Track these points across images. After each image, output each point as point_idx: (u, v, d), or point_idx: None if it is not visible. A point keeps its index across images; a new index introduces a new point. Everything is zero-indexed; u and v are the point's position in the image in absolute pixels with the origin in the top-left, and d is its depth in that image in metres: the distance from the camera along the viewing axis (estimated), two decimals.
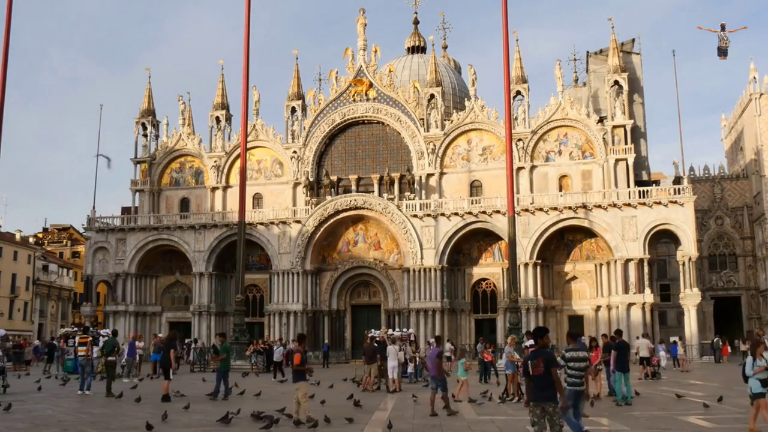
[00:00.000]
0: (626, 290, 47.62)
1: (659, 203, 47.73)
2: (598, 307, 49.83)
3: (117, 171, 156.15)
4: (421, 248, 50.30)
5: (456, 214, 50.20)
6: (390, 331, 32.68)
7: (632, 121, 51.02)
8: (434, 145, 53.17)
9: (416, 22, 69.58)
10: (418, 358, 28.71)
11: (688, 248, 47.21)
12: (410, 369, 27.58)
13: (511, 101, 41.60)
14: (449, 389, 16.44)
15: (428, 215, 50.59)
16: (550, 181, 51.46)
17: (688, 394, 20.63)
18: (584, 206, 48.42)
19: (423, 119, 53.68)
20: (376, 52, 56.26)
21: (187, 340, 46.36)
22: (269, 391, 22.75)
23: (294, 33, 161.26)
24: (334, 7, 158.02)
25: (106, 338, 26.02)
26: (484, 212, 49.66)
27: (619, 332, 21.14)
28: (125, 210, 60.74)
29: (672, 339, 43.40)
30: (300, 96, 57.04)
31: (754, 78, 61.45)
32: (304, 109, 56.65)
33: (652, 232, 48.10)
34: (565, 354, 11.80)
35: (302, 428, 13.52)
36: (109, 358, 22.09)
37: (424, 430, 13.61)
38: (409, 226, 50.60)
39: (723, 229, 63.04)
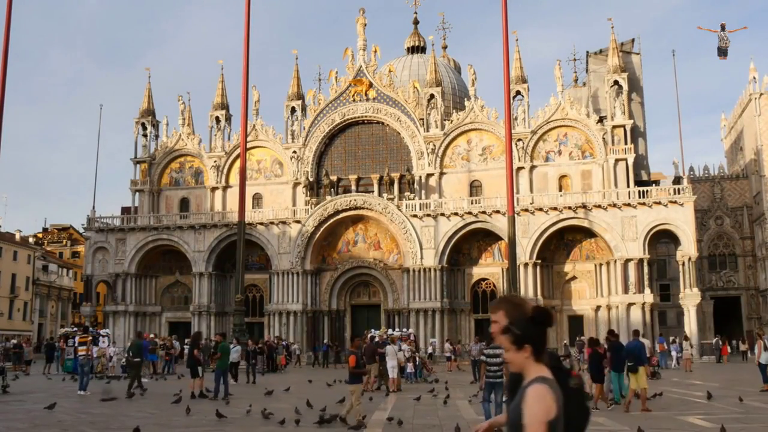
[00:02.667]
0: (626, 290, 47.62)
1: (659, 203, 47.74)
2: (598, 307, 49.84)
3: (117, 171, 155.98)
4: (421, 248, 50.29)
5: (456, 214, 50.19)
6: (389, 331, 32.66)
7: (632, 121, 51.03)
8: (434, 145, 53.17)
9: (416, 22, 69.58)
10: (417, 358, 28.68)
11: (688, 248, 47.21)
12: (410, 369, 27.55)
13: (511, 101, 41.61)
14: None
15: (428, 215, 50.58)
16: (550, 181, 51.47)
17: (688, 394, 20.62)
18: (584, 206, 48.43)
19: (423, 119, 53.68)
20: (375, 52, 56.26)
21: (186, 340, 46.34)
22: (270, 390, 22.73)
23: (294, 33, 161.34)
24: (334, 7, 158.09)
25: (132, 340, 26.28)
26: (483, 212, 49.66)
27: (612, 332, 21.19)
28: (125, 210, 60.72)
29: (672, 338, 43.40)
30: (300, 96, 57.05)
31: (754, 78, 61.43)
32: (303, 109, 56.66)
33: (651, 232, 48.11)
34: (485, 351, 13.55)
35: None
36: (135, 359, 22.34)
37: (424, 430, 13.61)
38: (408, 226, 50.59)
39: (723, 229, 63.01)
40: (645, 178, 52.26)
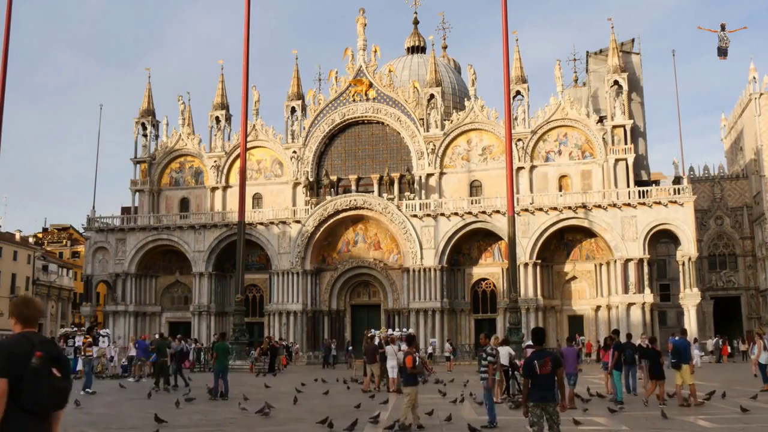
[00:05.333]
0: (626, 290, 47.63)
1: (659, 203, 47.75)
2: (598, 307, 49.84)
3: (117, 171, 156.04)
4: (421, 248, 50.30)
5: (456, 214, 50.20)
6: (389, 331, 32.62)
7: (632, 121, 51.05)
8: (434, 145, 53.17)
9: (416, 22, 69.58)
10: (417, 358, 28.54)
11: (688, 248, 47.21)
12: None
13: (511, 101, 41.63)
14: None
15: (428, 215, 50.59)
16: (550, 181, 51.48)
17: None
18: (584, 206, 48.44)
19: (423, 119, 53.68)
20: (375, 52, 56.28)
21: (187, 340, 46.32)
22: (261, 390, 22.73)
23: (294, 33, 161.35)
24: (334, 7, 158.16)
25: (155, 339, 26.98)
26: (483, 212, 49.67)
27: (616, 332, 21.52)
28: (125, 210, 60.73)
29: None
30: (300, 96, 57.05)
31: (754, 78, 61.39)
32: (303, 109, 56.66)
33: (651, 232, 48.12)
34: (486, 350, 14.47)
35: None
36: (163, 359, 23.61)
37: (424, 430, 13.58)
38: (408, 226, 50.59)
39: (723, 229, 63.00)
40: (645, 178, 52.28)
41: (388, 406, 17.79)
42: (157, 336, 30.00)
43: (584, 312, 50.65)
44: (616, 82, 51.25)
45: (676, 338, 19.14)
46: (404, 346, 27.03)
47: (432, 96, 53.87)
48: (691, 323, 46.76)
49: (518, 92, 52.19)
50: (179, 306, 57.47)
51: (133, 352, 30.68)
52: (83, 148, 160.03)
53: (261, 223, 53.57)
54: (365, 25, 56.32)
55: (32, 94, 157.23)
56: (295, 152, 55.63)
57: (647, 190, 48.80)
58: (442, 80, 56.23)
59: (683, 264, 47.81)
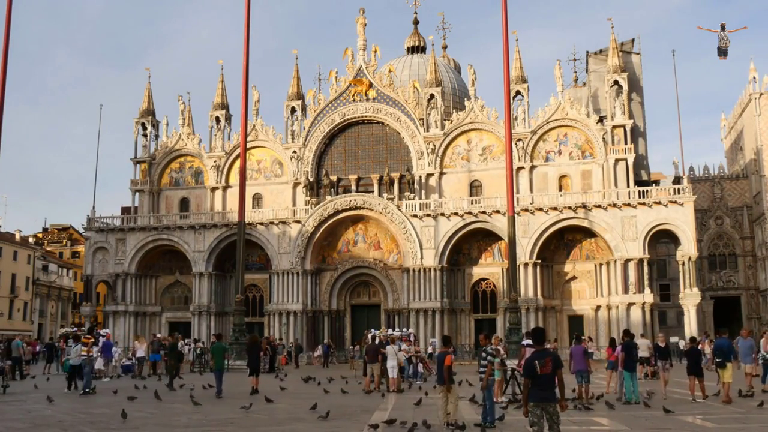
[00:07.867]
0: (626, 290, 47.63)
1: (659, 203, 47.76)
2: (598, 307, 49.85)
3: (117, 171, 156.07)
4: (421, 248, 50.30)
5: (456, 214, 50.20)
6: (389, 331, 32.60)
7: (632, 120, 51.05)
8: (434, 145, 53.17)
9: (416, 22, 69.56)
10: (414, 358, 28.54)
11: (688, 248, 47.21)
12: (416, 369, 27.38)
13: (511, 101, 41.62)
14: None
15: (428, 215, 50.59)
16: (550, 181, 51.47)
17: (689, 394, 20.59)
18: (584, 206, 48.44)
19: (423, 119, 53.68)
20: (375, 52, 56.28)
21: (186, 340, 46.38)
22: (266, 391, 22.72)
23: (294, 33, 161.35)
24: (334, 7, 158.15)
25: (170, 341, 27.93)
26: (483, 212, 49.67)
27: (627, 332, 21.54)
28: (125, 210, 60.73)
29: (673, 339, 43.33)
30: (300, 96, 57.04)
31: (754, 78, 61.40)
32: (303, 109, 56.65)
33: (651, 232, 48.12)
34: (487, 349, 14.84)
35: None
36: (172, 360, 25.26)
37: (425, 431, 13.58)
38: (408, 226, 50.60)
39: (723, 229, 63.00)
40: (645, 178, 52.28)
41: (388, 406, 17.78)
42: (158, 335, 30.22)
43: (584, 312, 50.65)
44: (616, 82, 51.24)
45: (720, 338, 20.15)
46: (404, 346, 27.12)
47: (432, 96, 53.87)
48: (691, 323, 46.79)
49: (518, 92, 52.19)
50: (179, 306, 57.48)
51: (140, 353, 30.80)
52: (83, 148, 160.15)
53: (261, 223, 53.57)
54: (365, 25, 56.32)
55: (32, 94, 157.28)
56: (295, 152, 55.63)
57: (647, 190, 48.80)
58: (442, 80, 56.23)
59: (683, 264, 47.82)
